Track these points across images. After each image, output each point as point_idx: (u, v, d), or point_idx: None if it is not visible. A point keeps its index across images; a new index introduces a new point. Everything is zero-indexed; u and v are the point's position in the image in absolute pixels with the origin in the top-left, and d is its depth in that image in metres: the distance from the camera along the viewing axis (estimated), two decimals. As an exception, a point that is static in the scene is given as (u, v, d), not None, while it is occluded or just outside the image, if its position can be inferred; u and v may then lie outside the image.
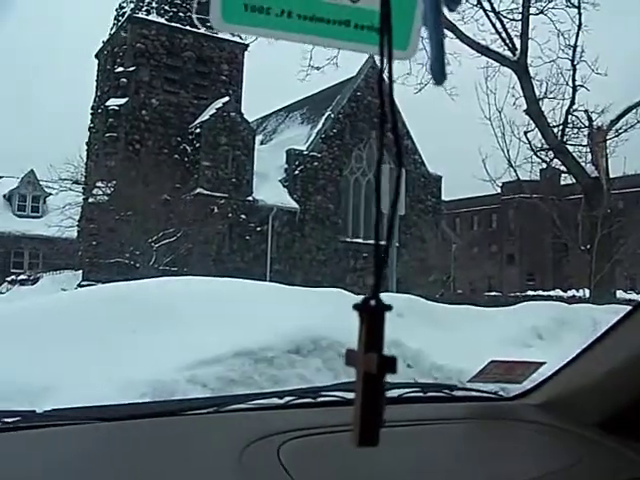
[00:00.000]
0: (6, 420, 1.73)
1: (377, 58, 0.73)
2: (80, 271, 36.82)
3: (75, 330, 7.60)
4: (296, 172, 38.89)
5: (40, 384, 6.80)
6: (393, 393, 2.15)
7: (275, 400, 2.05)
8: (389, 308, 0.75)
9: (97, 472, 1.48)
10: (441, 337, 8.97)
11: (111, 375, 6.66)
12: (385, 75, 0.76)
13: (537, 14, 22.21)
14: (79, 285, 34.90)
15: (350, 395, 2.15)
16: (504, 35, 21.25)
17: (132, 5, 39.19)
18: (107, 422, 1.79)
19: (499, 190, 37.87)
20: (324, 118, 40.77)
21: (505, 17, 21.88)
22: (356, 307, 0.74)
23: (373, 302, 0.74)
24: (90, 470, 1.49)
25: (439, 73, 0.80)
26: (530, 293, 40.50)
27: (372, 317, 0.74)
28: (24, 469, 1.47)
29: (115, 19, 41.25)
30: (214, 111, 37.52)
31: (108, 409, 2.08)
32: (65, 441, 1.67)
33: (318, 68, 20.20)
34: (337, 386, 2.13)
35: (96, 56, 42.29)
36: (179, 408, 2.01)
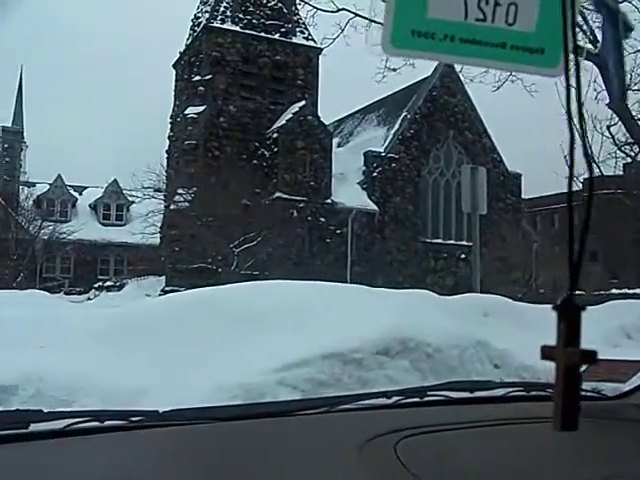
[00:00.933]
0: (132, 419, 1.80)
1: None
2: (163, 277, 37.51)
3: (166, 334, 7.77)
4: (374, 174, 38.85)
5: (133, 387, 6.98)
6: (498, 392, 2.17)
7: (384, 400, 2.08)
8: (584, 308, 0.82)
9: (217, 469, 1.53)
10: (527, 337, 8.83)
11: (203, 378, 6.78)
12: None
13: (621, 1, 21.66)
14: (162, 290, 35.55)
15: (456, 394, 2.16)
16: (585, 27, 20.79)
17: (207, 15, 39.78)
18: (224, 422, 1.85)
19: (580, 187, 37.09)
20: (400, 119, 40.63)
21: (586, 8, 21.39)
22: (556, 307, 0.82)
23: (570, 302, 0.82)
24: (209, 467, 1.54)
25: (619, 91, 0.86)
26: (615, 291, 39.50)
27: (571, 315, 0.82)
28: (149, 465, 1.54)
29: (191, 29, 41.94)
30: (291, 115, 37.77)
31: (224, 409, 2.15)
32: (185, 440, 1.73)
33: (395, 69, 20.13)
34: (443, 386, 2.15)
35: (174, 66, 43.03)
36: (291, 408, 2.07)
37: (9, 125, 49.23)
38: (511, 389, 2.21)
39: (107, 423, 1.75)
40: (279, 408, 2.12)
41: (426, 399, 2.10)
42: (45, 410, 1.78)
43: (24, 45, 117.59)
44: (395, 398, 2.08)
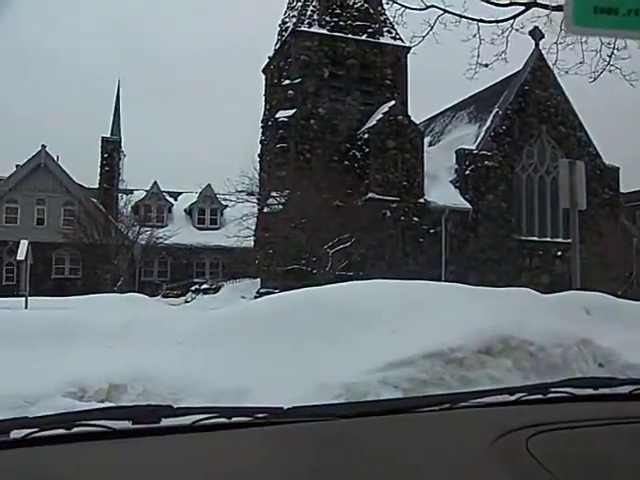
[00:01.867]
0: (258, 416, 1.84)
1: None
2: (258, 279, 37.97)
3: (268, 335, 7.89)
4: (467, 172, 38.51)
5: (237, 388, 7.12)
6: (623, 389, 2.15)
7: (506, 397, 2.07)
8: None
9: (341, 466, 1.55)
10: (631, 335, 8.63)
11: (304, 378, 6.87)
12: None
13: None
14: (258, 292, 35.99)
15: (579, 391, 2.13)
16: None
17: (294, 20, 40.18)
18: (347, 419, 1.87)
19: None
20: (492, 115, 40.16)
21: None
22: None
23: None
24: (334, 464, 1.56)
25: None
26: None
27: None
28: (274, 461, 1.57)
29: (279, 34, 42.42)
30: (381, 116, 37.79)
31: (347, 406, 2.19)
32: (309, 436, 1.76)
33: (487, 65, 19.84)
34: (564, 382, 2.14)
35: (263, 71, 43.59)
36: (412, 405, 2.08)
37: (108, 135, 50.66)
38: (637, 386, 2.18)
39: (233, 419, 1.80)
40: (401, 405, 2.13)
41: (550, 396, 2.09)
42: (175, 406, 1.84)
43: (121, 58, 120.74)
44: (518, 395, 2.07)
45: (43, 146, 46.69)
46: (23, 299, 19.60)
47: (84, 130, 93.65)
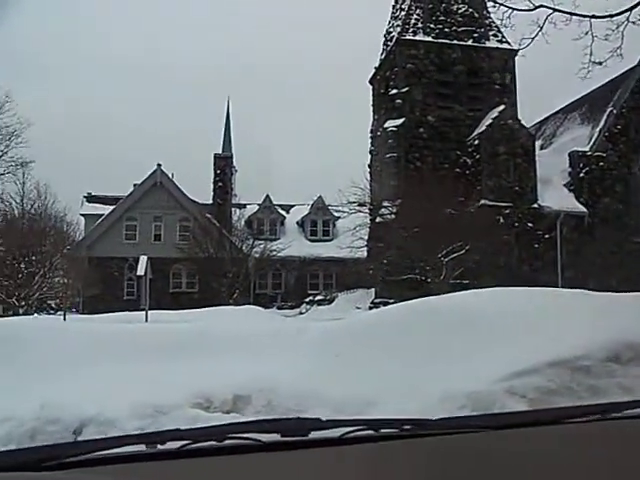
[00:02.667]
0: (405, 427, 1.86)
1: None
2: (372, 289, 37.96)
3: (390, 345, 7.92)
4: (581, 174, 37.48)
5: (362, 397, 7.17)
6: None
7: None
8: None
9: (491, 478, 1.53)
10: None
11: (429, 388, 6.85)
12: None
13: None
14: (372, 303, 36.00)
15: None
16: None
17: (399, 29, 40.08)
18: (492, 430, 1.85)
19: None
20: (606, 115, 38.94)
21: None
22: None
23: None
24: (484, 476, 1.54)
25: None
26: None
27: None
28: (422, 473, 1.58)
29: (384, 44, 42.41)
30: (490, 121, 37.24)
31: (490, 418, 2.16)
32: (457, 448, 1.75)
33: (600, 63, 19.26)
34: None
35: (370, 82, 43.65)
36: (558, 416, 2.02)
37: (220, 152, 51.75)
38: None
39: (382, 431, 1.81)
40: (546, 416, 2.08)
41: None
42: (323, 419, 1.85)
43: (230, 74, 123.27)
44: None
45: (159, 165, 48.10)
46: (143, 313, 20.20)
47: (196, 147, 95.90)
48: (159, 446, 1.63)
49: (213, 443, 1.65)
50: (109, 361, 8.79)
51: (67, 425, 7.25)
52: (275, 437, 1.70)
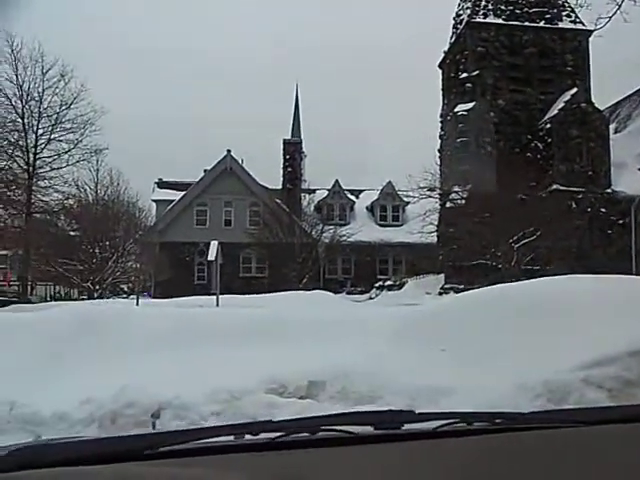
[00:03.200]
0: (497, 421, 1.85)
1: None
2: (442, 275, 37.75)
3: (463, 332, 7.88)
4: (658, 158, 36.59)
5: (436, 386, 7.16)
6: None
7: None
8: None
9: (583, 475, 1.49)
10: None
11: (504, 376, 6.81)
12: None
13: None
14: (442, 288, 35.82)
15: None
16: None
17: (469, 11, 39.57)
18: (584, 426, 1.81)
19: None
20: (684, 97, 37.96)
21: None
22: None
23: None
24: (574, 473, 1.51)
25: None
26: None
27: None
28: (512, 468, 1.55)
29: (453, 27, 41.93)
30: (563, 104, 36.56)
31: (583, 412, 2.12)
32: (549, 443, 1.70)
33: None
34: None
35: (439, 66, 43.24)
36: None
37: (289, 137, 51.95)
38: None
39: (475, 425, 1.80)
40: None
41: None
42: (417, 411, 1.85)
43: (299, 59, 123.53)
44: None
45: (228, 151, 48.52)
46: (214, 297, 20.45)
47: (266, 133, 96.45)
48: (253, 437, 1.64)
49: (306, 435, 1.66)
50: (184, 346, 8.94)
51: (145, 408, 7.41)
52: (368, 429, 1.70)
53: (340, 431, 1.68)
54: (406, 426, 1.74)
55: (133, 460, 1.47)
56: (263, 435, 1.65)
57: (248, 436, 1.66)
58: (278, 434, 1.65)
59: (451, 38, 42.07)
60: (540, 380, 6.50)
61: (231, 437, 1.70)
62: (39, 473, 1.38)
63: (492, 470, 1.53)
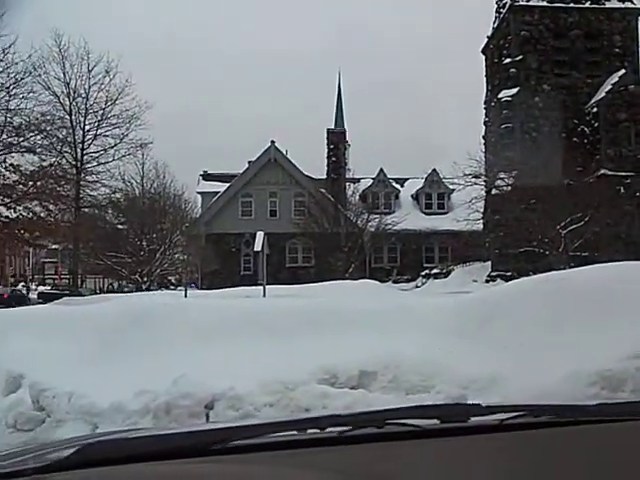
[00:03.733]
0: (564, 413, 1.84)
1: None
2: (489, 262, 37.51)
3: (519, 320, 7.84)
4: None
5: (488, 374, 7.14)
6: None
7: None
8: None
9: None
10: None
11: (556, 365, 6.76)
12: None
13: None
14: (489, 276, 35.61)
15: None
16: None
17: (512, -4, 39.06)
18: None
19: None
20: None
21: None
22: None
23: None
24: None
25: None
26: None
27: None
28: (580, 462, 1.53)
29: (496, 12, 41.44)
30: (610, 87, 36.00)
31: None
32: (617, 437, 1.67)
33: None
34: None
35: (482, 52, 42.83)
36: None
37: (333, 127, 51.90)
38: None
39: (542, 418, 1.77)
40: None
41: None
42: (483, 404, 1.84)
43: (340, 49, 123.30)
44: None
45: (272, 142, 48.69)
46: (261, 288, 20.57)
47: (308, 123, 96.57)
48: (320, 432, 1.64)
49: (373, 429, 1.65)
50: (235, 337, 9.01)
51: (199, 400, 7.49)
52: (434, 423, 1.69)
53: (406, 425, 1.66)
54: (472, 419, 1.72)
55: (201, 455, 1.48)
56: (330, 430, 1.64)
57: (313, 430, 1.66)
58: (344, 428, 1.64)
59: (494, 23, 41.65)
60: (594, 368, 6.44)
61: (295, 432, 1.70)
62: (109, 470, 1.40)
63: (560, 464, 1.51)
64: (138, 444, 1.62)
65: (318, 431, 1.64)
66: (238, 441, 1.56)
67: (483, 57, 42.87)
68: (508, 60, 38.49)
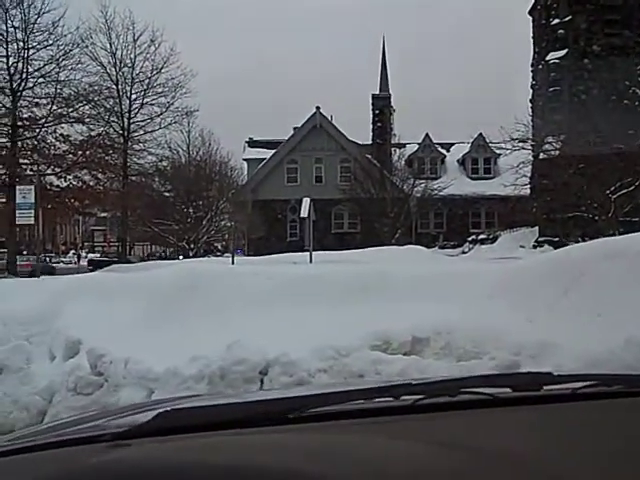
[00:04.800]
0: (634, 384, 1.84)
1: None
2: (536, 227, 37.15)
3: (568, 288, 7.79)
4: None
5: (541, 340, 7.13)
6: None
7: None
8: None
9: None
10: None
11: (610, 332, 6.73)
12: None
13: None
14: (536, 241, 35.31)
15: None
16: None
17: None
18: None
19: None
20: None
21: None
22: None
23: None
24: None
25: None
26: None
27: None
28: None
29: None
30: (664, 46, 35.08)
31: None
32: None
33: None
34: None
35: (529, 13, 41.98)
36: None
37: (377, 92, 51.59)
38: None
39: (614, 388, 1.76)
40: None
41: None
42: (555, 373, 1.83)
43: (384, 14, 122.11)
44: None
45: (317, 107, 48.63)
46: (307, 254, 20.65)
47: (353, 89, 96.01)
48: (394, 400, 1.64)
49: (447, 398, 1.66)
50: (287, 303, 9.09)
51: (253, 365, 7.62)
52: (507, 391, 1.69)
53: (480, 393, 1.66)
54: (545, 389, 1.72)
55: (279, 424, 1.49)
56: (404, 398, 1.64)
57: (387, 398, 1.67)
58: (418, 397, 1.64)
59: (542, -18, 40.75)
60: (649, 335, 6.40)
61: (369, 400, 1.71)
62: (191, 438, 1.41)
63: (635, 435, 1.48)
64: (215, 412, 1.65)
65: (392, 399, 1.65)
66: (314, 409, 1.58)
67: (530, 18, 42.02)
68: (556, 21, 37.68)
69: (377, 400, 1.70)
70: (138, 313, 9.33)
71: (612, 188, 30.18)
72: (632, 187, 29.86)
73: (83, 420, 1.90)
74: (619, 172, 29.82)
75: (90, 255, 66.32)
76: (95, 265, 44.24)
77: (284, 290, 9.70)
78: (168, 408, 1.60)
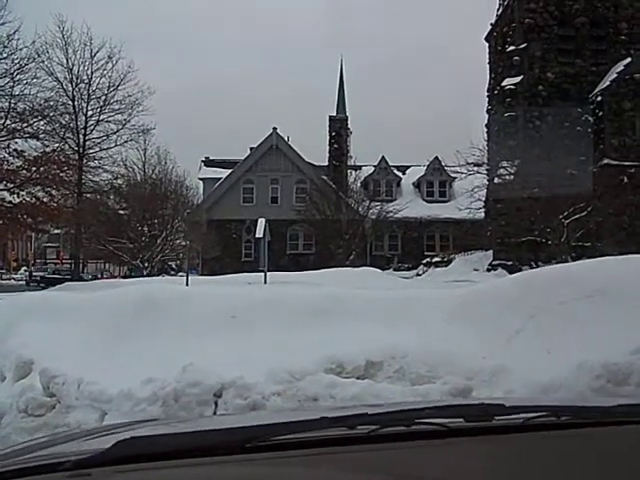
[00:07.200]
0: (589, 414, 1.87)
1: None
2: (490, 251, 37.51)
3: (520, 314, 7.88)
4: None
5: (493, 365, 7.19)
6: None
7: None
8: None
9: None
10: None
11: (563, 357, 6.81)
12: None
13: None
14: (490, 265, 35.64)
15: None
16: None
17: (517, -19, 38.79)
18: None
19: None
20: None
21: None
22: None
23: None
24: None
25: None
26: None
27: None
28: (607, 466, 1.53)
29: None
30: (615, 75, 35.71)
31: None
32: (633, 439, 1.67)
33: None
34: None
35: (486, 39, 42.64)
36: None
37: (334, 114, 51.85)
38: None
39: (563, 419, 1.77)
40: None
41: None
42: (507, 404, 1.86)
43: (342, 37, 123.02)
44: None
45: (274, 128, 48.72)
46: (262, 274, 20.63)
47: (309, 110, 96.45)
48: (349, 430, 1.66)
49: (402, 428, 1.67)
50: (242, 326, 9.05)
51: (208, 388, 7.55)
52: (459, 422, 1.71)
53: (434, 424, 1.68)
54: (496, 419, 1.74)
55: (235, 453, 1.50)
56: (360, 428, 1.66)
57: (343, 428, 1.67)
58: (374, 427, 1.66)
59: (498, 10, 41.44)
60: (600, 361, 6.48)
61: (329, 430, 1.73)
62: (148, 467, 1.42)
63: (583, 467, 1.52)
64: (174, 440, 1.64)
65: (347, 429, 1.66)
66: (271, 439, 1.59)
67: (486, 45, 42.67)
68: (512, 48, 38.29)
69: (333, 429, 1.70)
70: (92, 333, 9.21)
71: (565, 213, 30.61)
72: (584, 212, 30.32)
73: (40, 446, 1.88)
74: (572, 198, 30.26)
75: (41, 273, 64.68)
76: (47, 282, 43.64)
77: (239, 313, 9.64)
78: (127, 436, 1.60)
